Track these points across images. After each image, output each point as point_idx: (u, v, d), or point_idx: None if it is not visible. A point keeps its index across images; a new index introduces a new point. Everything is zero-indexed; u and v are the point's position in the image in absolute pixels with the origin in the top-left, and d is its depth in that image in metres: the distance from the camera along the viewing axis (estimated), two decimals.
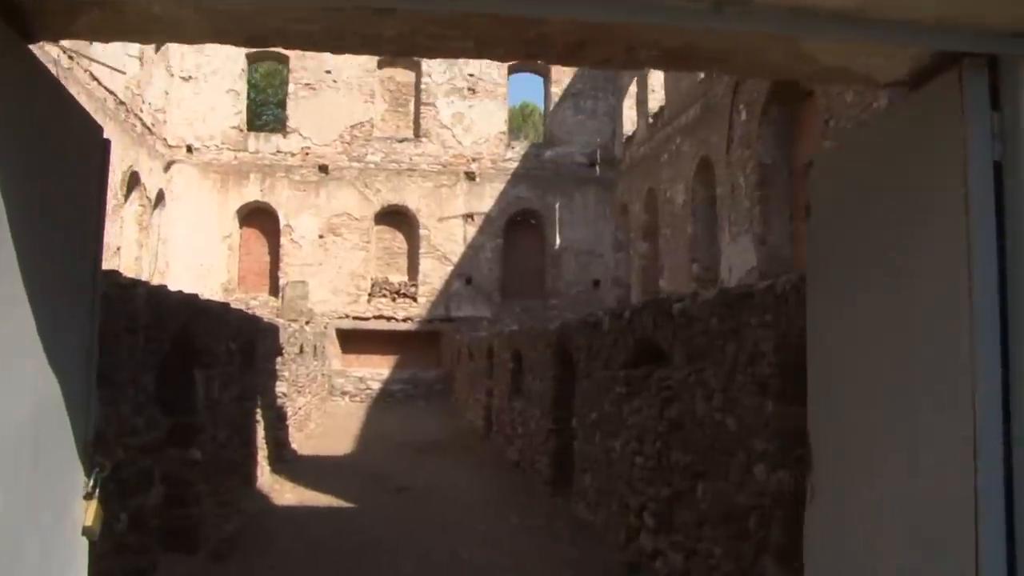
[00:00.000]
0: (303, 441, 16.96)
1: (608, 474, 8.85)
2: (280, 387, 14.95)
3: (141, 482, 5.67)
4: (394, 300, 27.97)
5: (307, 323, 21.79)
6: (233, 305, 11.22)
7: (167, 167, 26.31)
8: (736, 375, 5.92)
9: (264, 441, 12.76)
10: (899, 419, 2.49)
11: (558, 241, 28.48)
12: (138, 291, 5.60)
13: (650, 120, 25.17)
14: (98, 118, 13.75)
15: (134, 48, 23.05)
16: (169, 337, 6.51)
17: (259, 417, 12.29)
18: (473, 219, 28.25)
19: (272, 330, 14.01)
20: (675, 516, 6.90)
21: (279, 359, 14.83)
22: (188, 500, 7.29)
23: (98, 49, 20.07)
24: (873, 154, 2.74)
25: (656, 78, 25.16)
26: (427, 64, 28.49)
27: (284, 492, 11.88)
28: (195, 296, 7.76)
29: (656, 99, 25.11)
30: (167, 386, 7.08)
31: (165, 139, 26.17)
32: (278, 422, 14.46)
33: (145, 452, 5.75)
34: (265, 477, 12.45)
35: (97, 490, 3.01)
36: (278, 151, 27.99)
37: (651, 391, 7.67)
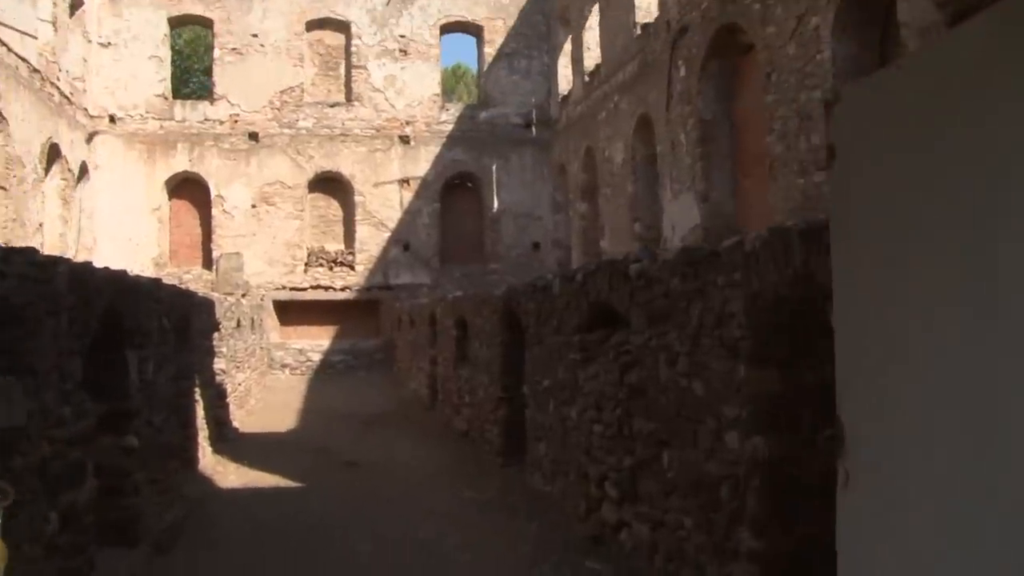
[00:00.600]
0: (245, 418, 16.51)
1: (564, 443, 8.59)
2: (218, 364, 14.45)
3: (72, 476, 5.24)
4: (331, 269, 27.40)
5: (243, 296, 21.21)
6: (166, 280, 10.72)
7: (89, 138, 25.33)
8: (702, 338, 5.66)
9: (204, 421, 12.30)
10: (955, 390, 2.19)
11: (496, 204, 28.10)
12: (59, 270, 5.14)
13: (586, 79, 24.83)
14: (10, 86, 12.98)
15: (46, 11, 22.02)
16: (96, 318, 6.05)
17: (198, 396, 11.83)
18: (409, 184, 27.71)
19: (207, 305, 13.50)
20: (639, 486, 6.66)
21: (216, 335, 14.32)
22: (126, 490, 6.86)
23: (4, 12, 19.10)
24: (924, 88, 2.41)
25: (592, 36, 24.79)
26: (357, 26, 27.79)
27: (228, 474, 11.46)
28: (123, 272, 7.28)
29: (592, 57, 24.75)
30: (97, 370, 6.62)
31: (86, 109, 25.15)
32: (218, 400, 13.99)
33: (75, 443, 5.32)
34: (207, 459, 12.01)
35: None
36: (206, 119, 27.11)
37: (608, 356, 7.40)
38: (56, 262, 5.17)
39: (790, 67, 13.99)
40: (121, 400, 6.93)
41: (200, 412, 11.94)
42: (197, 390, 11.74)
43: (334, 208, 28.21)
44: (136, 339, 7.54)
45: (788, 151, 14.10)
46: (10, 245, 5.96)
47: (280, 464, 11.91)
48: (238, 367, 17.26)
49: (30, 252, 4.91)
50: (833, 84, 12.90)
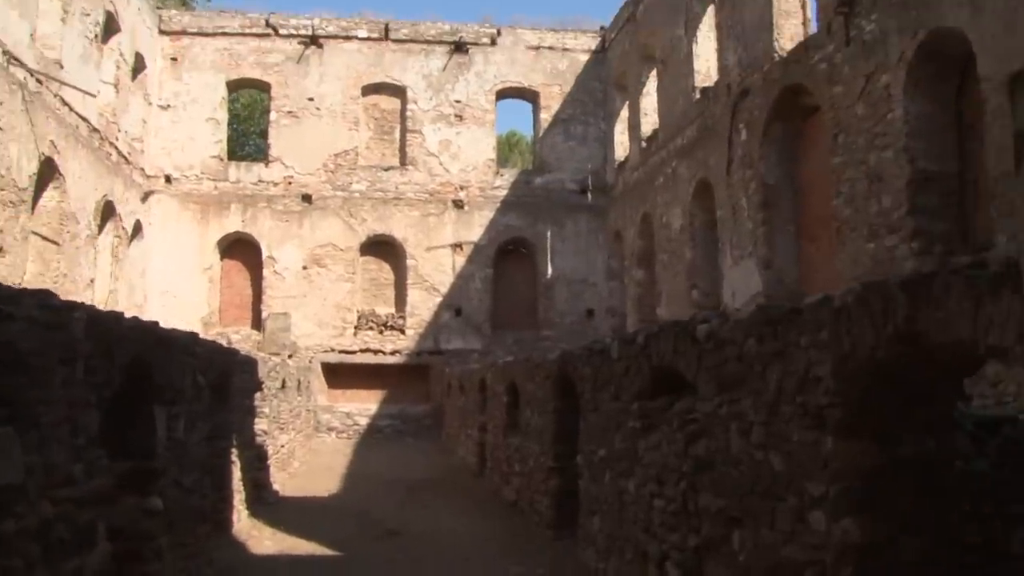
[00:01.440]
0: (286, 481, 16.01)
1: (621, 518, 7.95)
2: (260, 424, 14.03)
3: (79, 541, 4.75)
4: (381, 333, 27.04)
5: (290, 356, 20.88)
6: (215, 339, 10.34)
7: (144, 197, 25.41)
8: (781, 405, 5.06)
9: (241, 483, 11.82)
10: None
11: (550, 270, 27.65)
12: (75, 315, 4.71)
13: (643, 144, 24.46)
14: (69, 144, 12.88)
15: (109, 73, 22.24)
16: (120, 369, 5.61)
17: (235, 457, 11.36)
18: (462, 248, 27.39)
19: (250, 363, 13.10)
20: (706, 569, 6.00)
21: (259, 395, 13.91)
22: (146, 555, 6.34)
23: (69, 73, 19.25)
24: None
25: (649, 102, 24.47)
26: (412, 91, 27.80)
27: (263, 539, 10.92)
28: (154, 324, 6.86)
29: (649, 123, 24.42)
30: (121, 426, 6.18)
31: (143, 168, 25.29)
32: (258, 462, 13.52)
33: (85, 504, 4.83)
34: (242, 523, 11.51)
35: None
36: (260, 180, 27.12)
37: (672, 425, 6.79)
38: (73, 307, 4.74)
39: (859, 127, 13.45)
40: (146, 458, 6.46)
41: (237, 474, 11.47)
42: (234, 451, 11.28)
43: (386, 271, 27.95)
44: (166, 395, 7.10)
45: (857, 214, 13.50)
46: None
47: (319, 530, 11.36)
48: (282, 428, 16.83)
49: (44, 295, 4.49)
50: (906, 143, 12.33)
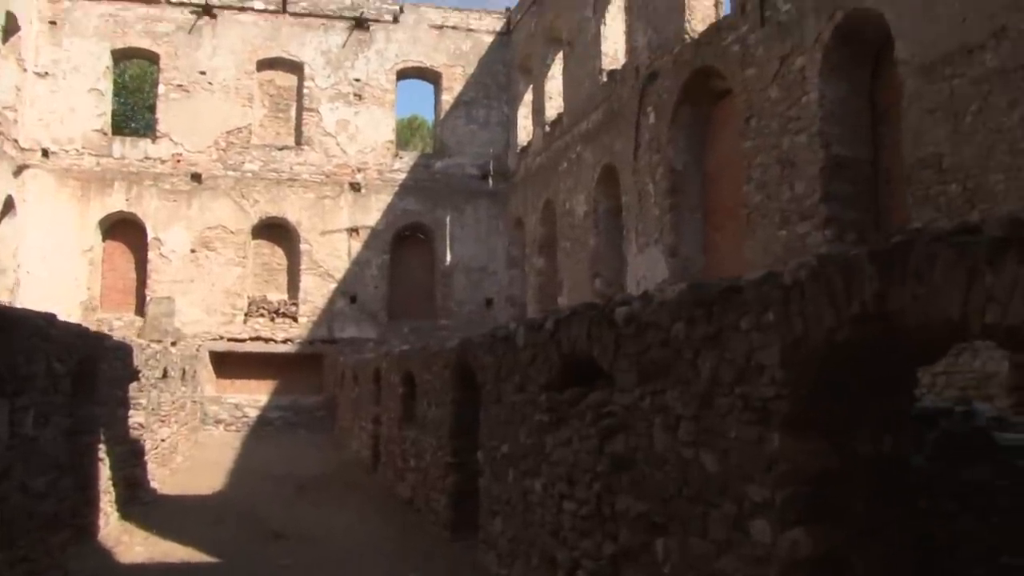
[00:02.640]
0: (167, 478, 14.95)
1: (526, 520, 7.27)
2: (136, 417, 12.94)
3: None
4: (273, 320, 25.89)
5: (173, 344, 19.68)
6: (95, 327, 9.30)
7: (18, 172, 23.68)
8: (716, 398, 4.44)
9: (111, 483, 10.79)
10: None
11: (448, 257, 26.90)
12: None
13: (547, 129, 23.87)
14: None
15: None
16: None
17: (103, 454, 10.34)
18: (358, 233, 26.40)
19: (123, 350, 12.02)
20: None
21: (135, 385, 12.82)
22: None
23: None
24: None
25: (554, 85, 23.89)
26: (310, 67, 26.67)
27: (133, 545, 9.92)
28: None
29: (553, 107, 23.84)
30: None
31: (16, 140, 23.57)
32: (132, 458, 12.45)
33: None
34: (111, 527, 10.49)
35: None
36: (146, 157, 25.64)
37: (584, 419, 6.14)
38: None
39: (772, 111, 13.05)
40: None
41: (106, 472, 10.45)
42: (103, 447, 10.26)
43: (278, 256, 26.80)
44: (10, 385, 6.15)
45: (768, 201, 13.10)
46: None
47: (198, 533, 10.42)
48: (163, 421, 15.71)
49: None
50: (821, 127, 11.96)
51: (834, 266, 3.54)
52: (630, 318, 5.45)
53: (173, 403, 17.28)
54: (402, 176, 27.06)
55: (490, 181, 27.15)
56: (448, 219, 26.98)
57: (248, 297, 25.88)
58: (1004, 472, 5.27)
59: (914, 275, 3.14)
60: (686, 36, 16.03)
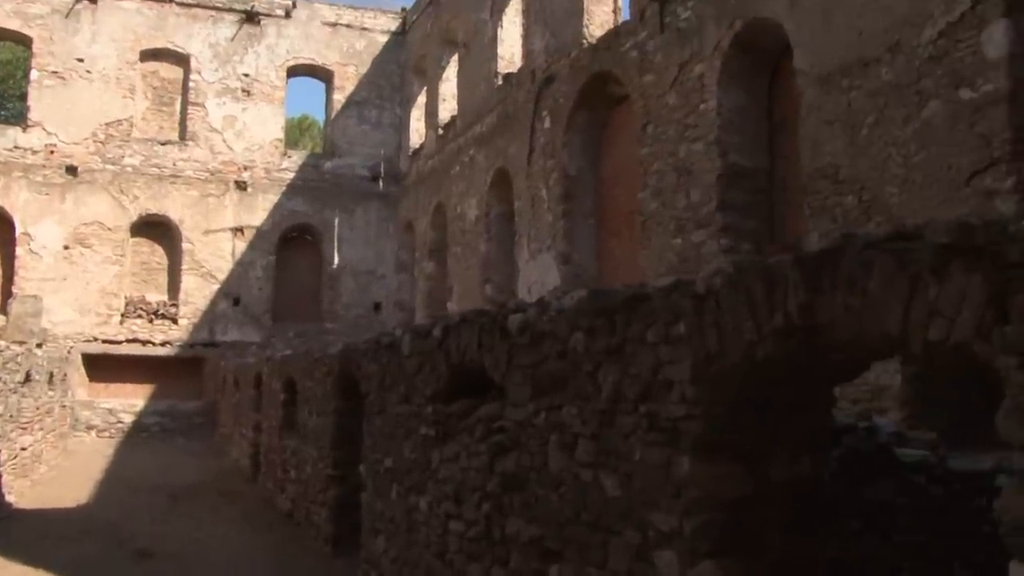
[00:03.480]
0: (27, 490, 13.97)
1: (410, 540, 6.81)
2: None
3: None
4: (151, 322, 24.76)
5: (39, 345, 18.49)
6: None
7: None
8: (618, 415, 4.07)
9: None
10: None
11: (336, 260, 26.18)
12: None
13: (440, 131, 23.43)
14: None
15: None
16: None
17: None
18: (243, 233, 25.48)
19: None
20: None
21: None
22: None
23: None
24: None
25: (448, 87, 23.47)
26: (197, 60, 25.63)
27: None
28: None
29: (447, 109, 23.42)
30: None
31: None
32: None
33: None
34: None
35: None
36: (16, 147, 24.22)
37: (474, 434, 5.71)
38: None
39: (669, 118, 12.88)
40: None
41: None
42: None
43: (158, 255, 25.67)
44: None
45: (663, 208, 12.92)
46: None
47: (54, 553, 9.62)
48: (23, 428, 14.68)
49: None
50: (718, 136, 11.82)
51: (754, 273, 3.20)
52: (524, 327, 5.05)
53: (37, 409, 16.21)
54: (290, 176, 26.26)
55: (381, 183, 26.56)
56: (337, 221, 26.28)
57: (125, 297, 24.71)
58: (905, 490, 5.11)
59: (846, 284, 2.82)
60: (584, 41, 15.80)
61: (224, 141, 25.80)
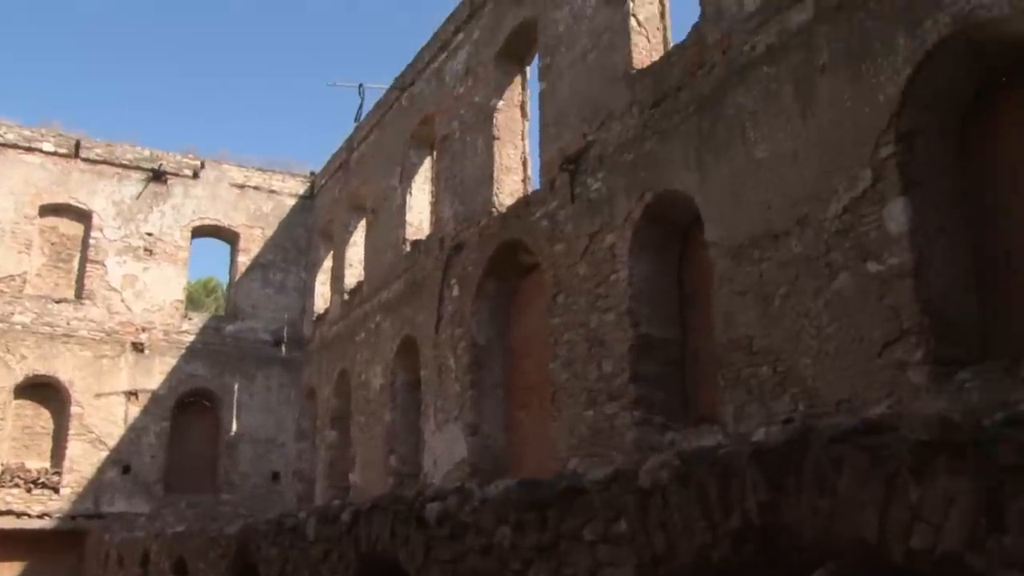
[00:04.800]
0: None
1: None
2: None
3: None
4: (30, 491, 23.18)
5: None
6: None
7: None
8: None
9: None
10: None
11: (235, 427, 25.18)
12: None
13: (345, 296, 23.14)
14: None
15: None
16: None
17: None
18: (137, 397, 24.40)
19: None
20: None
21: None
22: None
23: None
24: None
25: (355, 252, 23.34)
26: (99, 217, 24.99)
27: None
28: None
29: (354, 274, 23.21)
30: None
31: None
32: None
33: None
34: None
35: None
36: None
37: None
38: None
39: (580, 288, 12.85)
40: None
41: None
42: None
43: (44, 419, 24.28)
44: None
45: (575, 379, 12.72)
46: None
47: None
48: None
49: None
50: (630, 306, 11.78)
51: (705, 468, 2.90)
52: (444, 517, 4.65)
53: None
54: (190, 338, 25.45)
55: (283, 348, 25.92)
56: (236, 386, 25.41)
57: (2, 465, 23.21)
58: None
59: (813, 483, 2.54)
60: (493, 209, 15.88)
61: (123, 301, 24.96)
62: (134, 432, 24.11)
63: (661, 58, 12.25)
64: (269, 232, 26.78)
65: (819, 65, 9.62)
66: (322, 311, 25.28)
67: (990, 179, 8.69)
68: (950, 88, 8.83)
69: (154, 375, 24.74)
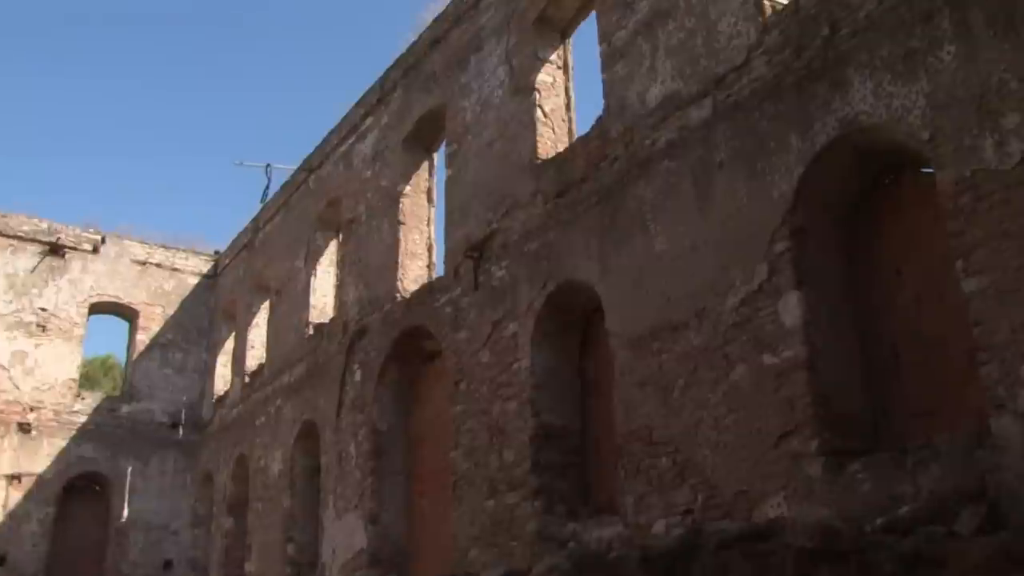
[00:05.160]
0: None
1: None
2: None
3: None
4: None
5: None
6: None
7: None
8: None
9: None
10: None
11: (126, 513, 24.20)
12: None
13: (246, 379, 22.66)
14: None
15: None
16: None
17: None
18: (20, 481, 23.28)
19: None
20: None
21: None
22: None
23: None
24: None
25: (258, 334, 22.95)
26: None
27: None
28: None
29: (255, 356, 22.77)
30: None
31: None
32: None
33: None
34: None
35: None
36: None
37: None
38: None
39: (483, 376, 12.83)
40: None
41: None
42: None
43: None
44: None
45: (476, 468, 12.63)
46: None
47: None
48: None
49: None
50: (531, 395, 11.79)
51: (595, 572, 2.86)
52: None
53: None
54: (83, 419, 24.50)
55: (181, 431, 25.15)
56: (130, 470, 24.47)
57: None
58: None
59: None
60: (398, 295, 15.81)
61: (10, 379, 23.95)
62: (14, 519, 22.96)
63: (565, 149, 12.50)
64: (170, 311, 26.20)
65: (717, 161, 9.91)
66: (222, 393, 24.69)
67: (877, 274, 9.01)
68: (839, 187, 9.20)
69: (41, 457, 23.72)
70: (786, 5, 9.69)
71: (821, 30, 9.08)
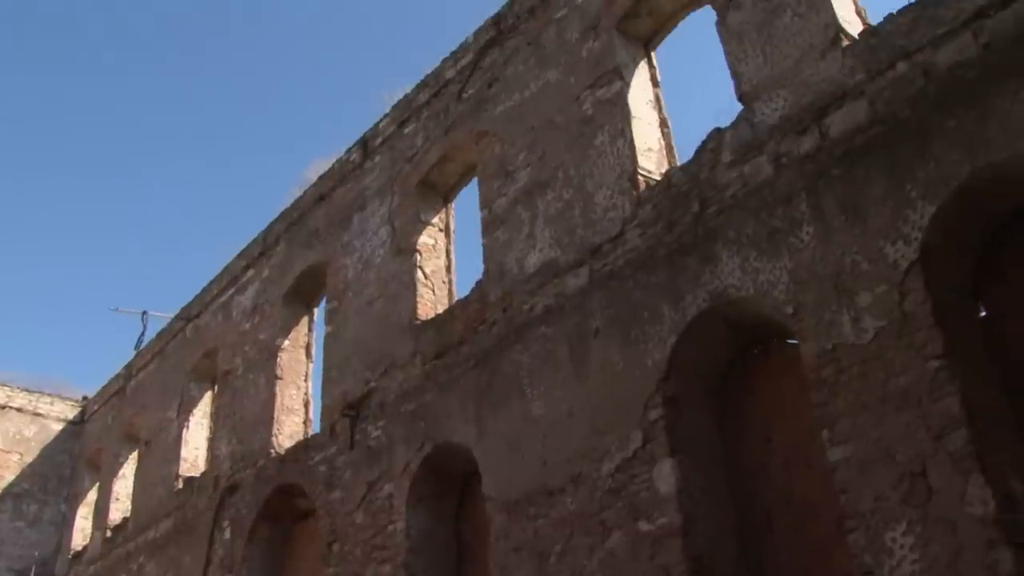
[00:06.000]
0: None
1: None
2: None
3: None
4: None
5: None
6: None
7: None
8: None
9: None
10: None
11: None
12: None
13: (108, 533, 21.49)
14: None
15: None
16: None
17: None
18: None
19: None
20: None
21: None
22: None
23: None
24: None
25: (124, 486, 21.92)
26: None
27: None
28: None
29: (119, 509, 21.67)
30: None
31: None
32: None
33: None
34: None
35: None
36: None
37: None
38: None
39: (357, 537, 12.48)
40: None
41: None
42: None
43: None
44: None
45: None
46: None
47: None
48: None
49: None
50: (406, 559, 11.50)
51: None
52: None
53: None
54: None
55: None
56: None
57: None
58: None
59: None
60: (272, 451, 15.41)
61: None
62: None
63: (445, 311, 12.58)
64: (29, 458, 24.87)
65: (593, 329, 10.10)
66: (80, 548, 23.32)
67: (748, 441, 9.19)
68: (710, 357, 9.45)
69: None
70: (659, 181, 10.11)
71: (692, 206, 9.49)
